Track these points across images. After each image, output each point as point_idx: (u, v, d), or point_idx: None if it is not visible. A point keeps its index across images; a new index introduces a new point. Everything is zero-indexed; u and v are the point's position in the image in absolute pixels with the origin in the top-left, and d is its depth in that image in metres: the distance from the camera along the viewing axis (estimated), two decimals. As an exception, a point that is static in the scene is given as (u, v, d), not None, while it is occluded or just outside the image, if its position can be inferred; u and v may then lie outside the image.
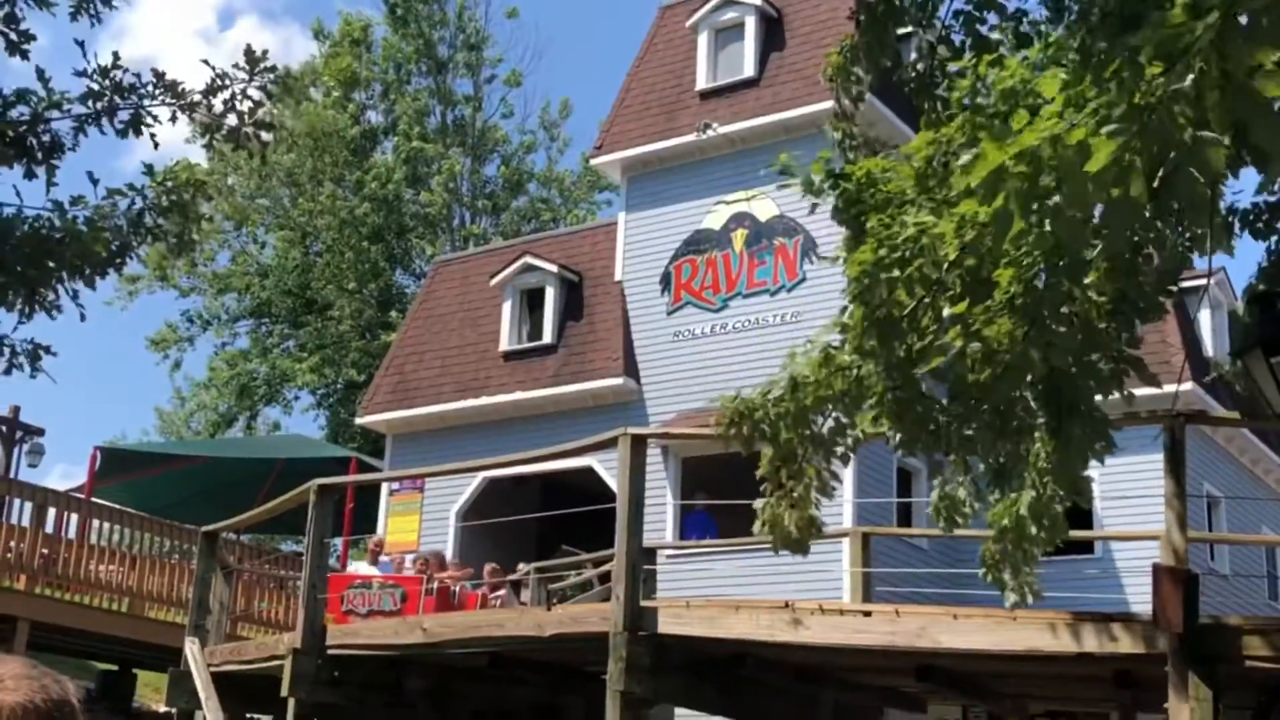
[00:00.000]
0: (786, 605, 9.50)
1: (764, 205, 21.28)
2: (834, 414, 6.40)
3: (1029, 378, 5.40)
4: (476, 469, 13.26)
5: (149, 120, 10.08)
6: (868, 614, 9.28)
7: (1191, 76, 3.32)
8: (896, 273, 5.28)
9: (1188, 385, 18.91)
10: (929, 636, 9.05)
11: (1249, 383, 6.72)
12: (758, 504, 6.82)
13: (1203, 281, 20.38)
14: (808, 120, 20.66)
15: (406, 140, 41.82)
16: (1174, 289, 5.93)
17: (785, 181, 6.55)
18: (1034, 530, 6.23)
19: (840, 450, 6.51)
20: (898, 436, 6.09)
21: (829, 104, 18.10)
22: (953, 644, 9.01)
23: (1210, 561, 20.24)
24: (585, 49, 71.89)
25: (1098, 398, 5.93)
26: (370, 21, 43.88)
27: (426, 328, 25.66)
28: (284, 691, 11.87)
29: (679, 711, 12.78)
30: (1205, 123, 3.36)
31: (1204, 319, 21.86)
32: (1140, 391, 16.08)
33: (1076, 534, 14.61)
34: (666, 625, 9.84)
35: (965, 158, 4.22)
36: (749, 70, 22.78)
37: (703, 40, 23.52)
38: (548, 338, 23.52)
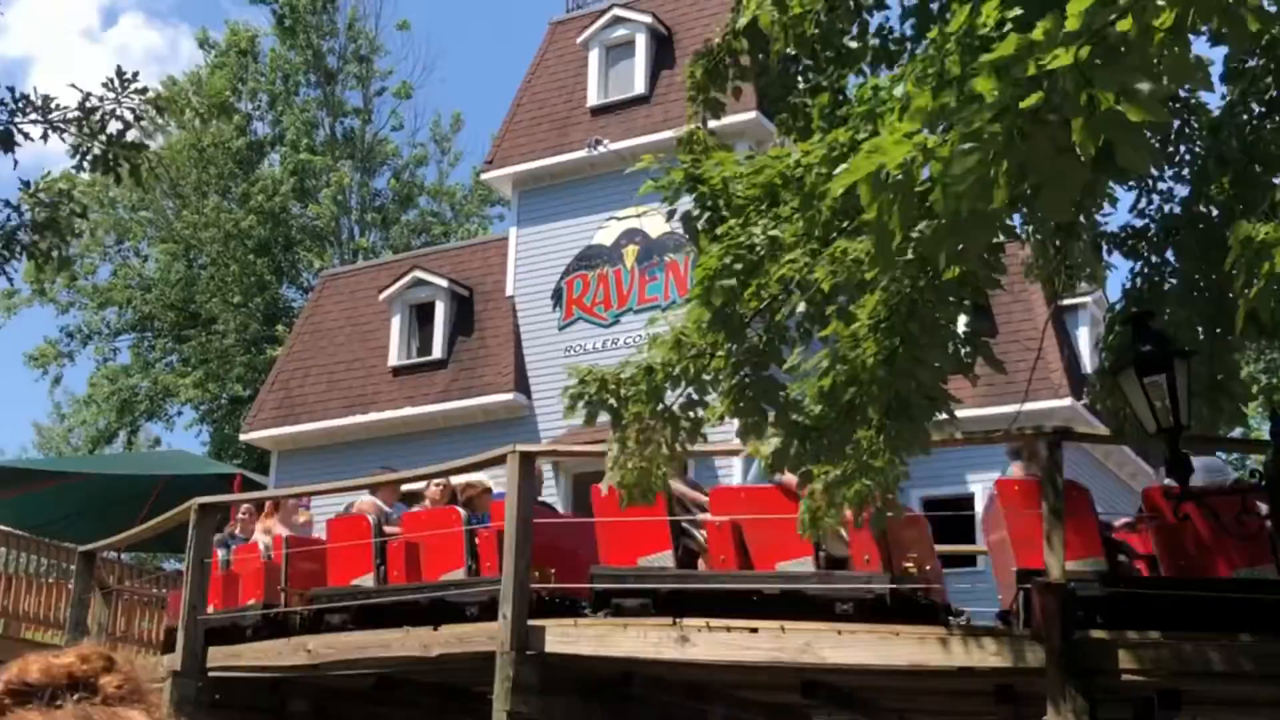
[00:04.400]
0: (674, 623, 9.52)
1: (655, 221, 21.33)
2: (686, 392, 6.52)
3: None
4: (364, 486, 13.09)
5: (19, 138, 9.84)
6: (754, 630, 9.32)
7: (1058, 99, 3.39)
8: (739, 280, 5.40)
9: (1066, 401, 19.32)
10: (814, 652, 9.12)
11: (1116, 401, 6.89)
12: (607, 460, 6.95)
13: (1083, 300, 20.89)
14: (719, 145, 20.75)
15: (294, 152, 41.31)
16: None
17: (657, 184, 6.64)
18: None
19: (687, 426, 6.60)
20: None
21: (723, 121, 18.27)
22: (837, 659, 9.09)
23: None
24: (477, 63, 71.67)
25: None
26: (258, 32, 43.31)
27: (313, 342, 25.35)
28: (163, 715, 11.59)
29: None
30: (1069, 143, 3.43)
31: (1083, 336, 22.36)
32: (1028, 407, 16.36)
33: (958, 548, 14.88)
34: (554, 644, 9.80)
35: (840, 170, 4.30)
36: (640, 87, 22.88)
37: (594, 57, 23.58)
38: (438, 353, 23.37)
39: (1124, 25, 3.25)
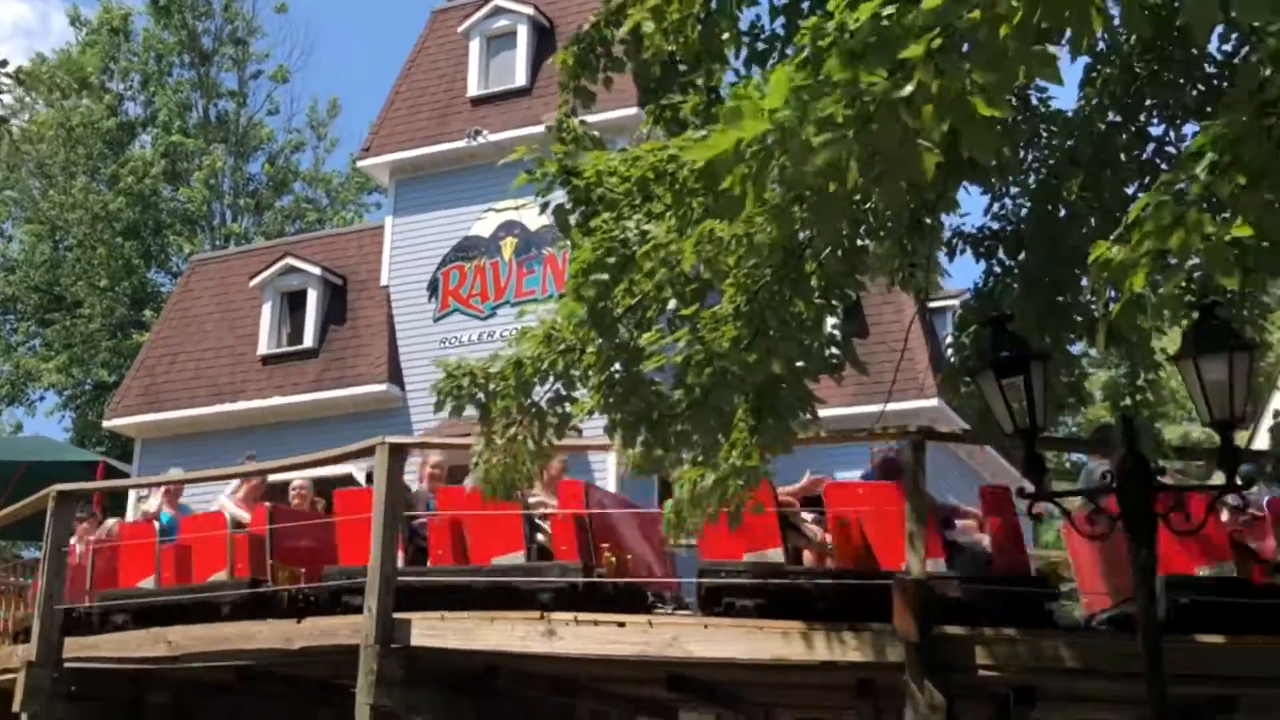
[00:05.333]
0: (542, 616, 9.52)
1: (534, 214, 21.28)
2: (554, 386, 6.53)
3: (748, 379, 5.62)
4: (229, 476, 12.89)
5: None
6: (622, 624, 9.36)
7: (910, 88, 3.45)
8: (611, 275, 5.42)
9: (933, 401, 19.67)
10: (680, 646, 9.18)
11: (973, 401, 7.04)
12: (470, 455, 6.95)
13: (952, 302, 21.28)
14: (589, 135, 20.74)
15: (166, 134, 40.43)
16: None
17: (531, 176, 6.64)
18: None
19: (554, 422, 6.61)
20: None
21: (603, 115, 18.25)
22: (703, 653, 9.16)
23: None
24: (356, 48, 70.84)
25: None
26: (131, 10, 42.29)
27: (181, 328, 24.85)
28: (16, 706, 11.32)
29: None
30: (919, 133, 3.49)
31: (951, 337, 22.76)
32: (896, 406, 16.55)
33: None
34: (420, 638, 9.74)
35: (698, 134, 4.33)
36: (520, 79, 22.78)
37: (475, 46, 23.42)
38: (309, 342, 23.05)
39: (974, 16, 3.32)
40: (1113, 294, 3.74)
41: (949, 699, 8.54)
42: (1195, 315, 6.69)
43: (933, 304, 21.14)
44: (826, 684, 9.70)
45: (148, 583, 11.72)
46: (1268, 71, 3.60)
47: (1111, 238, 3.72)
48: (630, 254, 5.55)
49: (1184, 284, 7.89)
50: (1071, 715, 10.77)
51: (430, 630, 9.76)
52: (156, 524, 12.21)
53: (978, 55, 3.33)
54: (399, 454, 10.25)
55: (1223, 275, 3.54)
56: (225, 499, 12.24)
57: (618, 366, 6.01)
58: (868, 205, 5.98)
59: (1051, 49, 3.77)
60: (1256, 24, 4.56)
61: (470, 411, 6.89)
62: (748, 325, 5.53)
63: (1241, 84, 3.73)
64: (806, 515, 9.77)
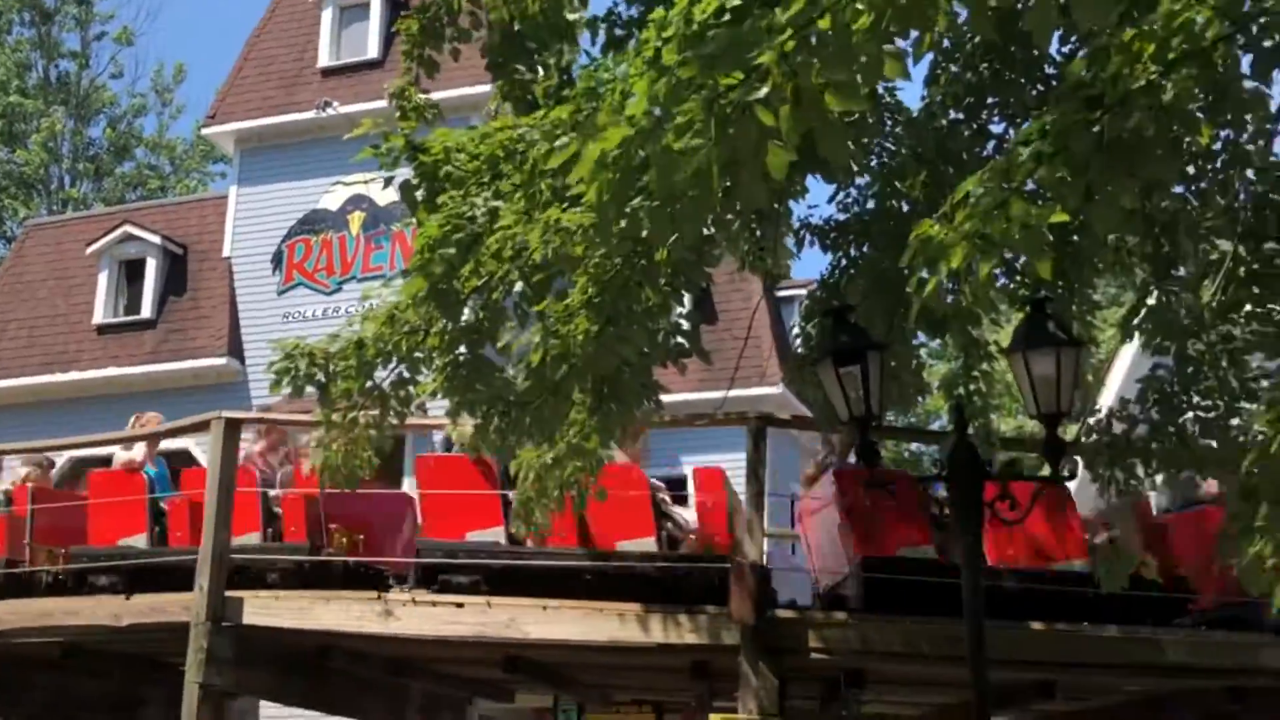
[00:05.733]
0: (379, 596, 9.43)
1: (383, 189, 21.03)
2: (397, 368, 6.46)
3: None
4: (60, 447, 12.52)
5: None
6: (460, 605, 9.32)
7: (766, 89, 3.49)
8: (458, 254, 5.38)
9: (778, 389, 19.92)
10: (518, 627, 9.17)
11: (813, 389, 7.15)
12: (311, 439, 6.86)
13: (800, 292, 21.57)
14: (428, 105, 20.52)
15: (3, 94, 39.01)
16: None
17: (376, 150, 6.55)
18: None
19: (396, 406, 6.55)
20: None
21: (455, 91, 18.06)
22: (540, 635, 9.17)
23: (793, 557, 21.37)
24: (204, 13, 69.05)
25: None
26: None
27: (13, 295, 24.02)
28: None
29: (267, 705, 12.45)
30: (777, 133, 3.53)
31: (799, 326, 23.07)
32: (743, 393, 16.72)
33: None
34: (252, 616, 9.56)
35: (560, 141, 4.32)
36: (373, 51, 22.48)
37: (327, 16, 23.03)
38: (147, 312, 22.47)
39: (824, 24, 3.38)
40: (929, 273, 3.79)
41: (782, 681, 8.68)
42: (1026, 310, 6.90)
43: (781, 293, 21.40)
44: (662, 666, 9.78)
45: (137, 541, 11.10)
46: (1095, 71, 3.71)
47: (934, 216, 3.79)
48: (478, 232, 5.50)
49: (1019, 279, 8.17)
50: (901, 698, 11.04)
51: (263, 609, 9.59)
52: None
53: (830, 56, 3.38)
54: (235, 429, 10.03)
55: (1039, 261, 3.63)
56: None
57: (463, 349, 5.95)
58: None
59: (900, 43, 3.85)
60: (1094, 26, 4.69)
61: (312, 390, 6.77)
62: (598, 315, 5.51)
63: (1069, 80, 3.83)
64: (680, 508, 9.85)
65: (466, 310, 5.90)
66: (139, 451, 11.39)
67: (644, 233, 3.85)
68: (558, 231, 4.87)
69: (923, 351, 8.47)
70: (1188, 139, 7.20)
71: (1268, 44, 3.62)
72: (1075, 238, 7.88)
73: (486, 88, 19.20)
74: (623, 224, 3.84)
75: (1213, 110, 3.86)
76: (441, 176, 5.94)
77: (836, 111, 3.51)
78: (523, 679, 10.42)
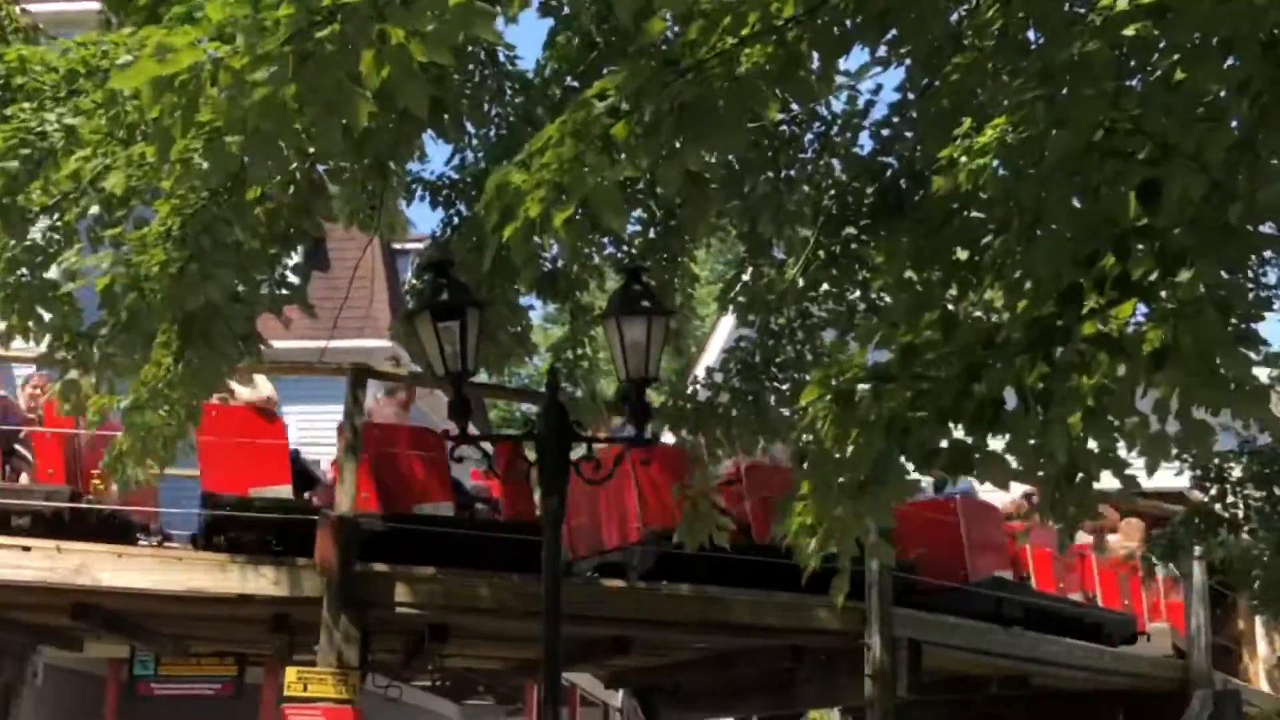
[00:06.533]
0: (-65, 538, 8.79)
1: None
2: None
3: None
4: None
5: None
6: (27, 549, 8.82)
7: (333, 28, 3.40)
8: (24, 169, 5.06)
9: (389, 342, 19.70)
10: (90, 574, 8.76)
11: (415, 344, 7.12)
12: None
13: (417, 245, 21.40)
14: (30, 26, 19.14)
15: None
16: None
17: None
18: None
19: None
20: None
21: (65, 5, 16.89)
22: (113, 582, 8.79)
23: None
24: None
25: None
26: None
27: None
28: None
29: None
30: (359, 78, 3.45)
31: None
32: (345, 345, 16.43)
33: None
34: None
35: (123, 59, 4.10)
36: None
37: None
38: None
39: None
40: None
41: (365, 634, 8.62)
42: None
43: (400, 246, 21.15)
44: (241, 617, 9.53)
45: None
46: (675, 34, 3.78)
47: (511, 162, 3.80)
48: (51, 149, 5.15)
49: (625, 248, 8.39)
50: (485, 652, 11.17)
51: None
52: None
53: (418, 4, 3.32)
54: None
55: (612, 215, 3.70)
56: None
57: (24, 271, 5.57)
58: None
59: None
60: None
61: None
62: (180, 249, 5.28)
63: (646, 39, 3.90)
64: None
65: (35, 230, 5.52)
66: None
67: (203, 165, 3.70)
68: (140, 166, 4.63)
69: (540, 316, 8.61)
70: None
71: (836, 30, 3.77)
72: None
73: (95, 4, 18.12)
74: (190, 156, 3.68)
75: (784, 90, 4.01)
76: (14, 87, 5.53)
77: (420, 59, 3.45)
78: (92, 627, 9.93)
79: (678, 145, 3.56)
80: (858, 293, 7.40)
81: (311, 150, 5.97)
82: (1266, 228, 3.38)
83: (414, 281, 7.87)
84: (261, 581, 8.62)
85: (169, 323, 5.89)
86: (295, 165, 6.38)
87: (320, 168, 6.53)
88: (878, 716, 9.14)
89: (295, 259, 7.98)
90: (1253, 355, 3.48)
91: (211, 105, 3.58)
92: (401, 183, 7.69)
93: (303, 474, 9.73)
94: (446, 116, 7.07)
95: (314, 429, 16.72)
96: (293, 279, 7.38)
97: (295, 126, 3.59)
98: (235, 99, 3.47)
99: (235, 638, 11.04)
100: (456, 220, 7.73)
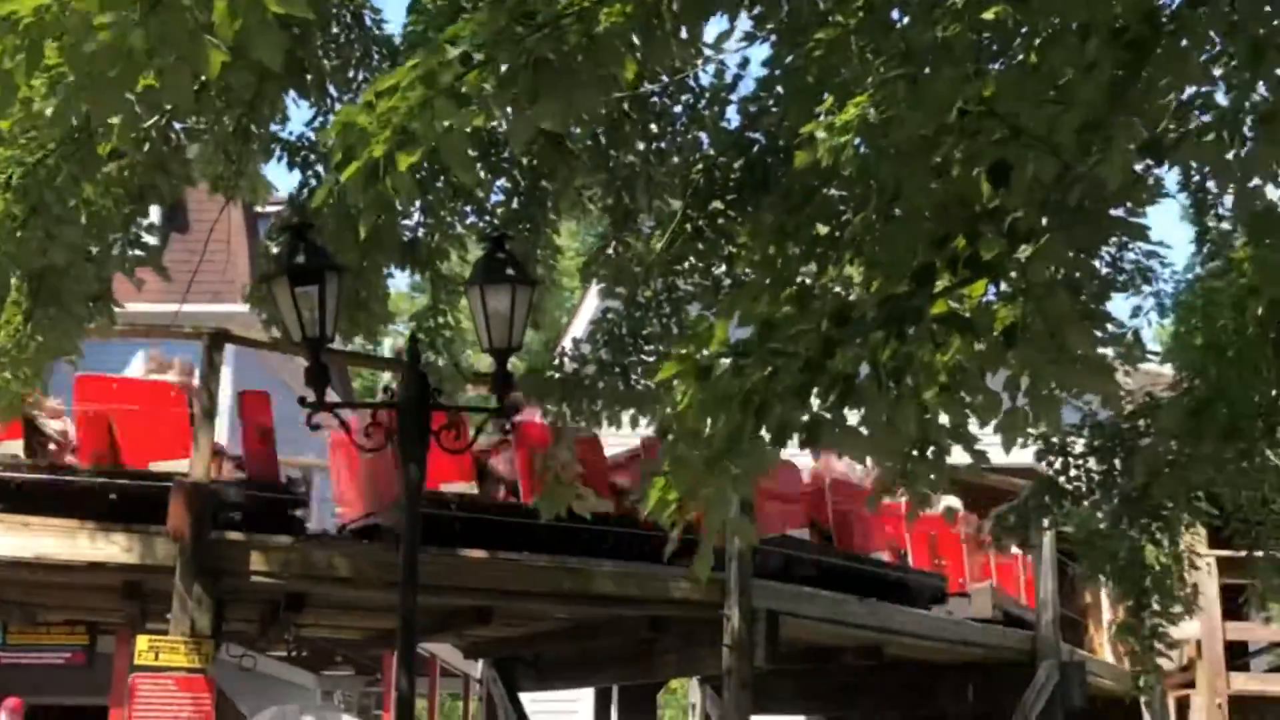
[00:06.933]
0: None
1: None
2: None
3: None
4: None
5: None
6: None
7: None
8: None
9: (244, 307, 19.32)
10: (-71, 540, 8.47)
11: (273, 309, 6.99)
12: None
13: (278, 208, 21.02)
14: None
15: None
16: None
17: None
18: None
19: None
20: None
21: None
22: (-47, 549, 8.51)
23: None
24: None
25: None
26: None
27: None
28: None
29: None
30: (210, 29, 3.35)
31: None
32: (205, 309, 16.11)
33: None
34: None
35: None
36: None
37: None
38: None
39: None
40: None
41: (219, 603, 8.47)
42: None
43: (262, 209, 20.74)
44: (92, 584, 9.30)
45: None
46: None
47: (359, 102, 3.71)
48: None
49: (488, 217, 8.31)
50: (341, 622, 11.07)
51: None
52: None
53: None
54: None
55: (460, 168, 3.65)
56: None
57: None
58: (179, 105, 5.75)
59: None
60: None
61: None
62: (21, 201, 5.11)
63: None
64: None
65: None
66: None
67: (45, 110, 3.57)
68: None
69: (405, 285, 8.50)
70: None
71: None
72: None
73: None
74: (32, 99, 3.55)
75: (643, 52, 3.99)
76: None
77: (274, 10, 3.36)
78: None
79: (532, 103, 3.50)
80: (723, 267, 7.44)
81: (168, 108, 5.86)
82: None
83: (268, 242, 7.70)
84: (112, 549, 8.42)
85: (19, 280, 5.72)
86: (150, 121, 6.23)
87: (178, 125, 6.37)
88: (735, 686, 9.24)
89: (151, 220, 7.75)
90: (1099, 334, 3.58)
91: (56, 49, 3.47)
92: (263, 144, 7.54)
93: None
94: (310, 77, 6.96)
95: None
96: (149, 240, 7.19)
97: (144, 77, 3.49)
98: (79, 43, 3.36)
99: (86, 606, 10.79)
100: (316, 183, 7.59)
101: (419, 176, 7.14)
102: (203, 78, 3.86)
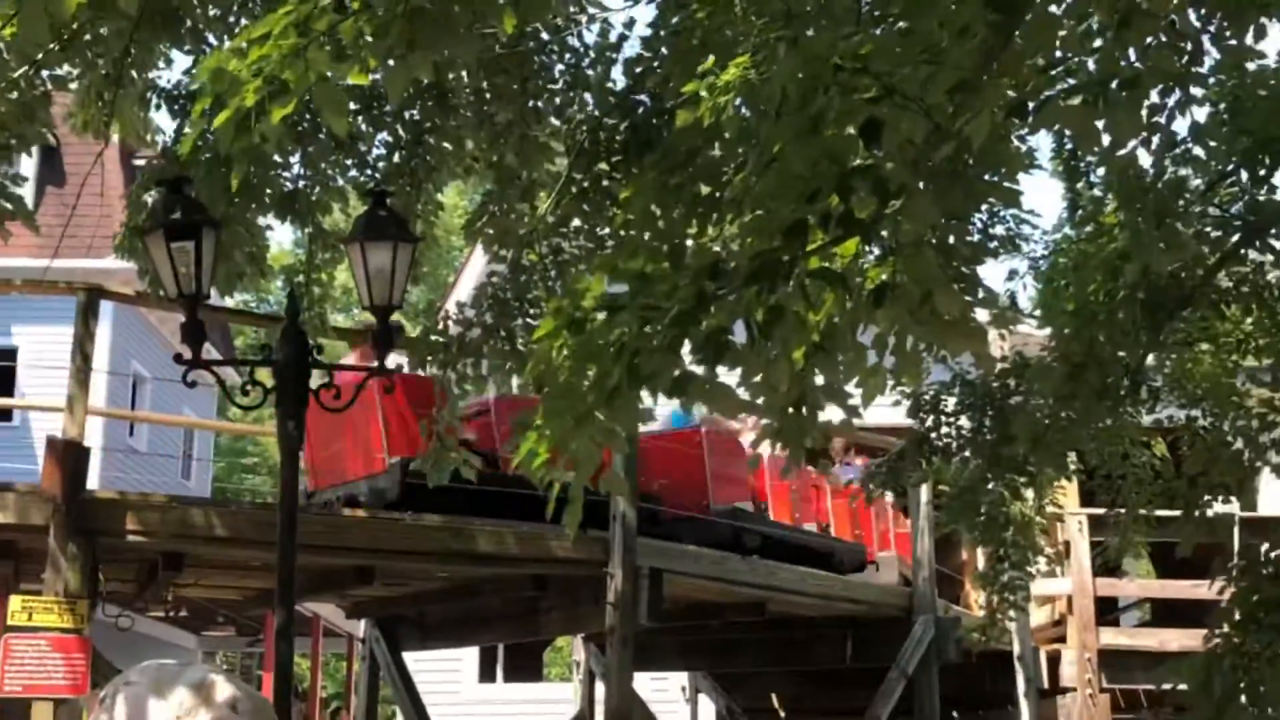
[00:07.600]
0: None
1: None
2: None
3: None
4: None
5: None
6: None
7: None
8: None
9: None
10: None
11: (149, 263, 6.86)
12: None
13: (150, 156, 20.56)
14: None
15: None
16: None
17: None
18: None
19: None
20: None
21: None
22: None
23: (130, 438, 20.55)
24: None
25: None
26: None
27: None
28: None
29: None
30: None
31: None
32: (82, 264, 15.77)
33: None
34: None
35: None
36: None
37: None
38: None
39: None
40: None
41: (95, 562, 8.33)
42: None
43: (141, 160, 20.32)
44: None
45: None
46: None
47: (226, 48, 3.64)
48: None
49: (369, 172, 8.23)
50: (220, 582, 10.94)
51: None
52: None
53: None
54: None
55: (334, 116, 3.61)
56: None
57: None
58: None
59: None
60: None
61: None
62: None
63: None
64: None
65: None
66: None
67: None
68: None
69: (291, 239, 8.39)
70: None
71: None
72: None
73: None
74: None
75: (524, 5, 3.97)
76: None
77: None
78: None
79: (408, 52, 3.46)
80: (608, 229, 7.44)
81: (39, 57, 5.71)
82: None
83: (139, 190, 7.51)
84: (-16, 508, 8.24)
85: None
86: (20, 71, 6.08)
87: (45, 73, 6.22)
88: (617, 643, 9.31)
89: (19, 171, 7.55)
90: (969, 298, 3.65)
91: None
92: (140, 91, 7.37)
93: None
94: (188, 25, 6.83)
95: (46, 351, 16.05)
96: (15, 190, 7.01)
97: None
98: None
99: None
100: (189, 131, 7.45)
101: (300, 128, 7.08)
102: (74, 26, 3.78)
